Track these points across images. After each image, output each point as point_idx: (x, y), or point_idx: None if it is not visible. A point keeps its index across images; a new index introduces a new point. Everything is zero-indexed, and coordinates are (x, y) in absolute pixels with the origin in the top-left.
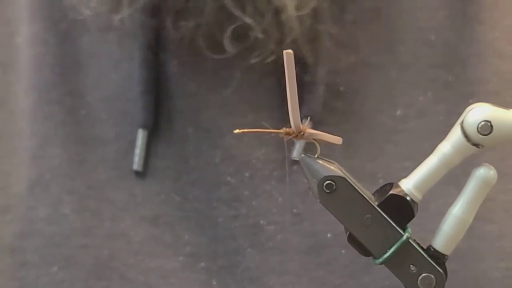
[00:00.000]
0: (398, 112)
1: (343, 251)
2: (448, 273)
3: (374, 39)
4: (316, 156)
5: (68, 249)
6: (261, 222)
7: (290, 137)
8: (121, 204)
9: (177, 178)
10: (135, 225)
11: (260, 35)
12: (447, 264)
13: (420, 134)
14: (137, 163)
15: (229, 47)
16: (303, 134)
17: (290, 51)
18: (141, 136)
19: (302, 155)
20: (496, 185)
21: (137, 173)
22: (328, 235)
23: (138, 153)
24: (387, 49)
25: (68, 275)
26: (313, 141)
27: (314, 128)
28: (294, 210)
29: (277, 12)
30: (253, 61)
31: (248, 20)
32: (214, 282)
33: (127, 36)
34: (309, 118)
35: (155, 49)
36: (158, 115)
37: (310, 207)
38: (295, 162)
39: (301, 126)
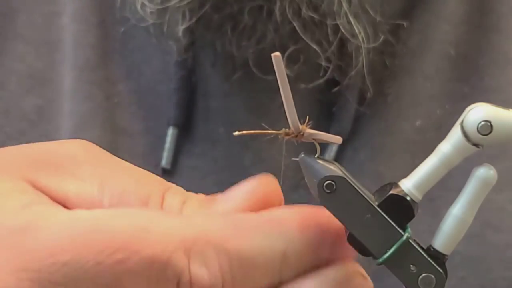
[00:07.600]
0: (418, 123)
1: None
2: (456, 280)
3: (406, 43)
4: (316, 156)
5: None
6: None
7: (290, 137)
8: None
9: (205, 177)
10: None
11: (323, 63)
12: (456, 270)
13: (435, 146)
14: (165, 160)
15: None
16: (302, 135)
17: (278, 53)
18: (171, 134)
19: (302, 155)
20: (506, 194)
21: (164, 170)
22: None
23: (167, 151)
24: (416, 56)
25: None
26: (313, 141)
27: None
28: None
29: (343, 41)
30: (302, 86)
31: (314, 46)
32: None
33: (166, 35)
34: (307, 118)
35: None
36: (190, 114)
37: None
38: None
39: (301, 127)
